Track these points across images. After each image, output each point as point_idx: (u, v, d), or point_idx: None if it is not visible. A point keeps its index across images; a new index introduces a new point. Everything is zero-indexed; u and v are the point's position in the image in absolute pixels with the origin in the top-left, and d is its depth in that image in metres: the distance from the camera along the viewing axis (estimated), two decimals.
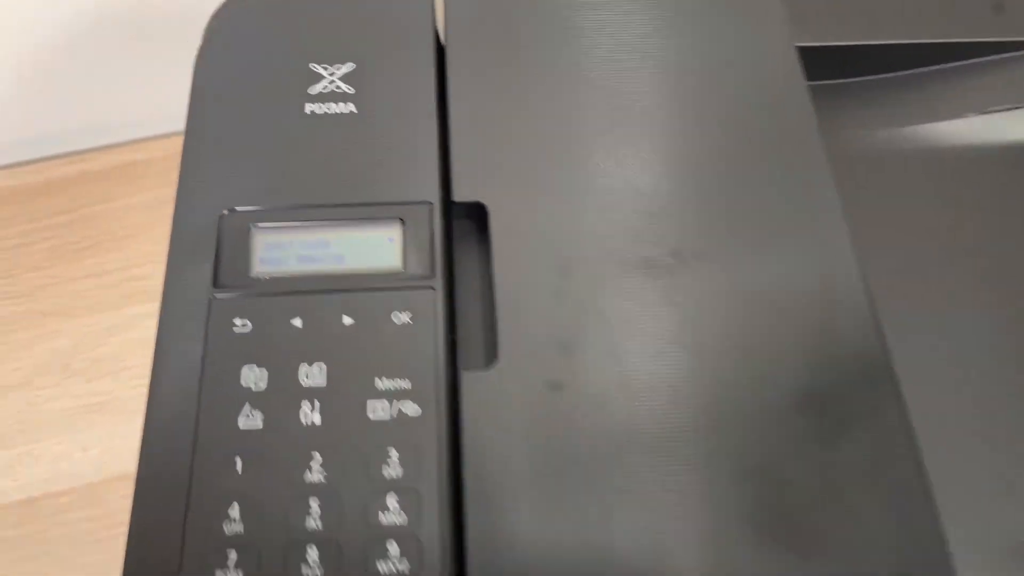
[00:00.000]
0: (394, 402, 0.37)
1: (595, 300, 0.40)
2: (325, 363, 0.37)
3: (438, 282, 0.40)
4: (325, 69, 0.46)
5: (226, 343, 0.38)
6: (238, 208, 0.41)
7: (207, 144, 0.43)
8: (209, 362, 0.37)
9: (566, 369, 0.38)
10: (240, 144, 0.43)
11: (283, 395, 0.37)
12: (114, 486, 0.63)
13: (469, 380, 0.38)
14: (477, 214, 0.43)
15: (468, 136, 0.44)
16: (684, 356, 0.38)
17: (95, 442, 0.66)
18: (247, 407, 0.36)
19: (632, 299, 0.39)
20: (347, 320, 0.39)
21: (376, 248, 0.41)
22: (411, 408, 0.37)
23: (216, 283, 0.39)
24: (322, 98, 0.45)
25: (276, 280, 0.40)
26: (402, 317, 0.39)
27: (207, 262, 0.40)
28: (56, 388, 0.69)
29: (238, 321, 0.38)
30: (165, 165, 0.77)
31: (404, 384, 0.37)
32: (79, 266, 0.72)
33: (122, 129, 0.77)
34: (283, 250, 0.41)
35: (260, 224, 0.41)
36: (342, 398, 0.37)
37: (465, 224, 0.44)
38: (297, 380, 0.37)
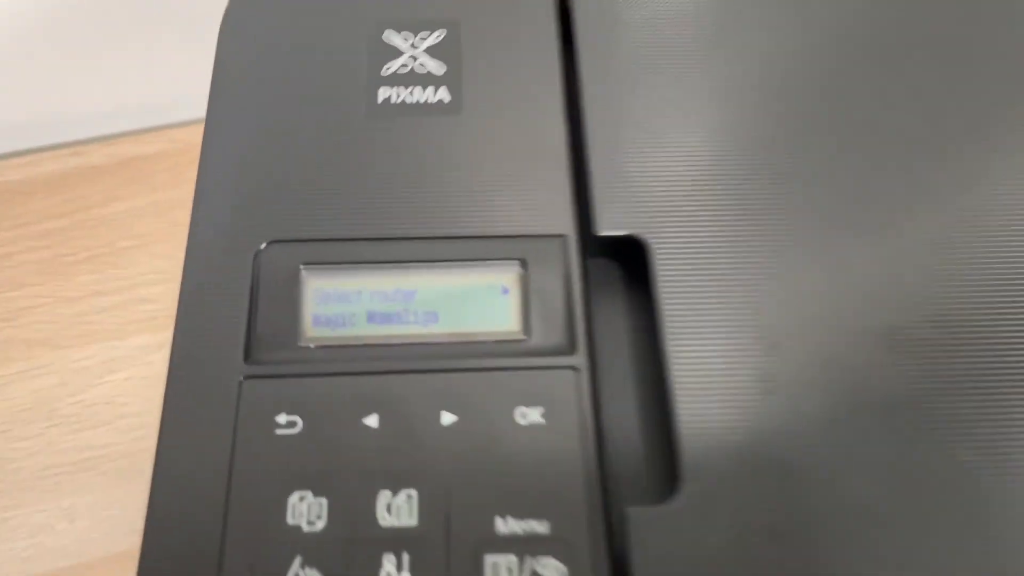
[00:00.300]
0: (525, 558, 0.23)
1: (829, 395, 0.26)
2: (416, 490, 0.24)
3: (582, 358, 0.26)
4: (405, 39, 0.32)
5: (263, 451, 0.25)
6: (281, 239, 0.28)
7: (234, 143, 0.30)
8: (238, 483, 0.24)
9: (791, 501, 0.24)
10: (282, 145, 0.30)
11: (352, 542, 0.24)
12: (107, 569, 0.50)
13: (639, 521, 0.24)
14: (624, 255, 0.29)
15: (613, 143, 0.30)
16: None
17: (84, 511, 0.52)
18: (297, 563, 0.23)
19: (886, 388, 0.26)
20: (446, 418, 0.25)
21: (484, 302, 0.28)
22: (552, 569, 0.23)
23: (248, 355, 0.26)
24: (400, 80, 0.31)
25: (338, 351, 0.27)
26: (530, 415, 0.26)
27: (235, 320, 0.27)
28: (38, 439, 0.55)
29: (282, 418, 0.25)
30: (180, 160, 0.64)
31: (539, 527, 0.24)
32: (72, 284, 0.59)
33: (129, 116, 0.64)
34: (347, 304, 0.27)
35: (313, 265, 0.28)
36: (444, 549, 0.24)
37: (602, 270, 0.30)
38: (374, 518, 0.24)
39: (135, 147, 0.64)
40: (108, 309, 0.57)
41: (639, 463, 0.26)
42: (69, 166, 0.62)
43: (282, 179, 0.29)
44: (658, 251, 0.28)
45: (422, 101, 0.31)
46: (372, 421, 0.25)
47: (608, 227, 0.28)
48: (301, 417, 0.25)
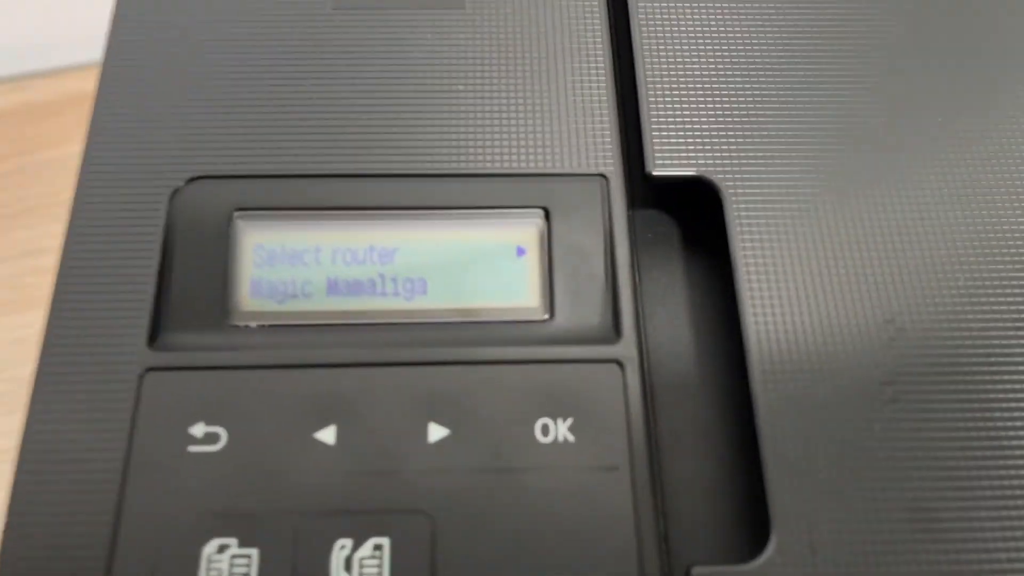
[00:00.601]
0: None
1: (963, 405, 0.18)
2: (388, 538, 0.17)
3: (630, 347, 0.19)
4: None
5: (169, 478, 0.17)
6: (207, 175, 0.20)
7: (146, 44, 0.22)
8: (129, 523, 0.17)
9: (925, 559, 0.17)
10: (213, 45, 0.22)
11: None
12: None
13: None
14: (682, 207, 0.21)
15: (666, 62, 0.22)
16: None
17: None
18: None
19: None
20: (435, 433, 0.18)
21: (490, 267, 0.20)
22: None
23: (154, 337, 0.18)
24: None
25: (284, 334, 0.19)
26: (555, 429, 0.18)
27: (137, 288, 0.19)
28: None
29: (199, 429, 0.18)
30: None
31: None
32: (7, 241, 0.51)
33: (79, 47, 0.56)
34: (301, 267, 0.20)
35: (252, 211, 0.20)
36: None
37: (650, 221, 0.22)
38: None
39: (88, 82, 0.56)
40: (48, 271, 0.49)
41: (709, 503, 0.19)
42: (11, 103, 0.53)
43: (212, 94, 0.21)
44: (735, 200, 0.20)
45: None
46: (328, 436, 0.18)
47: (666, 165, 0.20)
48: (226, 429, 0.17)
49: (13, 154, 0.51)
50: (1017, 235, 0.21)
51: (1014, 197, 0.21)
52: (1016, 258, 0.20)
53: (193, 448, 0.17)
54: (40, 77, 0.53)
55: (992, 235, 0.21)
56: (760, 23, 0.23)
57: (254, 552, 0.16)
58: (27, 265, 0.48)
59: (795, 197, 0.20)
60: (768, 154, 0.21)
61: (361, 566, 0.16)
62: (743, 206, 0.20)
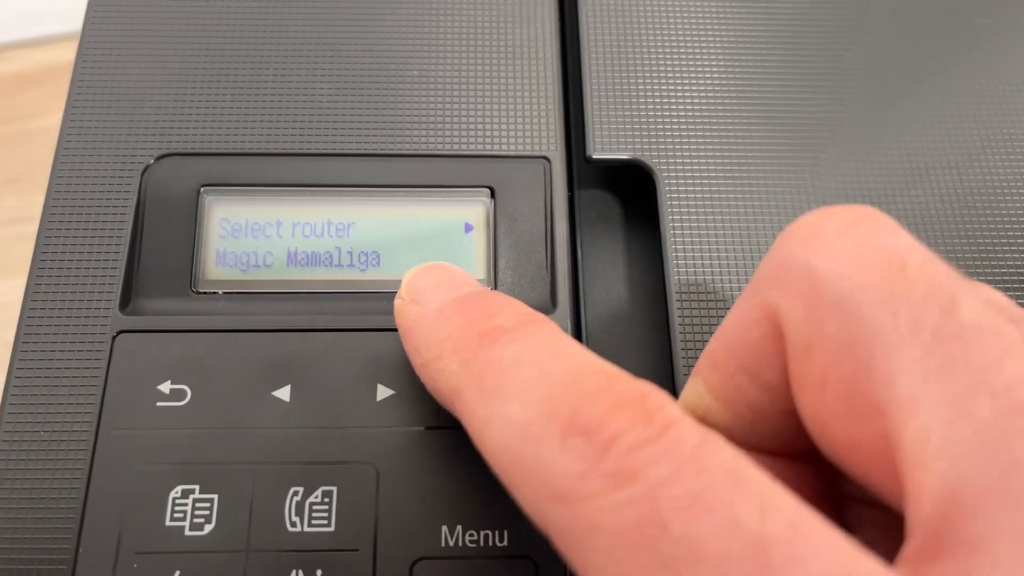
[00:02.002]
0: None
1: None
2: (336, 487, 0.18)
3: (564, 317, 0.20)
4: None
5: (139, 430, 0.19)
6: (176, 152, 0.22)
7: (120, 28, 0.23)
8: (102, 469, 0.18)
9: None
10: (181, 29, 0.23)
11: (251, 554, 0.18)
12: None
13: None
14: (621, 186, 0.23)
15: (608, 48, 0.24)
16: None
17: None
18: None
19: None
20: (382, 392, 0.19)
21: (440, 242, 0.21)
22: None
23: (127, 302, 0.20)
24: None
25: (246, 301, 0.20)
26: None
27: (111, 256, 0.20)
28: None
29: (166, 386, 0.19)
30: None
31: (497, 540, 0.18)
32: None
33: (62, 17, 0.57)
34: (262, 239, 0.21)
35: (218, 187, 0.21)
36: (370, 565, 0.18)
37: (595, 203, 0.24)
38: (281, 522, 0.18)
39: (69, 52, 0.57)
40: (31, 239, 0.50)
41: None
42: None
43: (181, 76, 0.22)
44: (666, 181, 0.22)
45: None
46: (284, 394, 0.19)
47: (605, 149, 0.22)
48: (190, 386, 0.19)
49: None
50: (936, 224, 0.22)
51: (933, 187, 0.23)
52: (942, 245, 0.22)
53: (161, 403, 0.19)
54: (23, 47, 0.54)
55: (915, 215, 0.22)
56: (699, 17, 0.24)
57: (215, 497, 0.18)
58: (12, 232, 0.49)
59: (723, 179, 0.22)
60: (700, 139, 0.23)
61: (311, 511, 0.18)
62: (673, 187, 0.22)
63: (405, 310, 0.17)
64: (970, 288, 0.13)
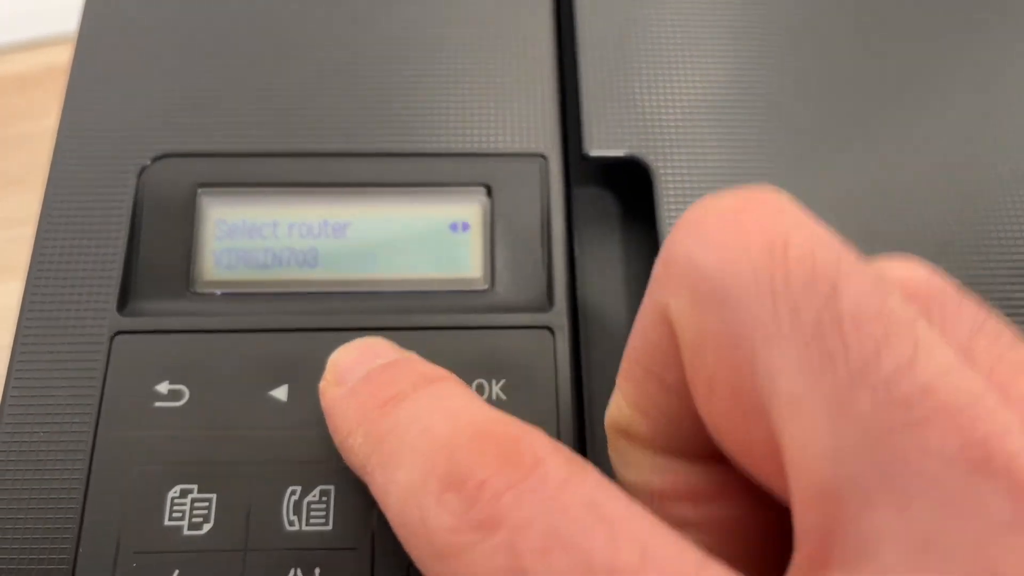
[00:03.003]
0: None
1: None
2: (333, 485, 0.18)
3: (560, 316, 0.20)
4: None
5: (137, 429, 0.19)
6: (173, 152, 0.22)
7: (116, 24, 0.23)
8: (101, 469, 0.18)
9: None
10: (177, 27, 0.23)
11: (249, 552, 0.18)
12: None
13: None
14: (617, 184, 0.23)
15: (605, 45, 0.24)
16: None
17: None
18: None
19: None
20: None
21: (435, 241, 0.21)
22: None
23: (124, 303, 0.20)
24: None
25: (242, 301, 0.20)
26: (490, 389, 0.20)
27: (108, 257, 0.20)
28: None
29: (164, 387, 0.19)
30: None
31: None
32: None
33: (58, 18, 0.56)
34: (258, 239, 0.21)
35: (214, 187, 0.21)
36: (368, 563, 0.18)
37: (592, 199, 0.24)
38: (278, 521, 0.18)
39: (66, 53, 0.57)
40: (29, 239, 0.50)
41: None
42: None
43: (177, 76, 0.22)
44: (663, 177, 0.22)
45: None
46: (281, 393, 0.19)
47: (601, 146, 0.22)
48: (188, 386, 0.19)
49: None
50: (937, 232, 0.22)
51: (934, 189, 0.23)
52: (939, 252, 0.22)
53: (159, 404, 0.19)
54: (21, 49, 0.54)
55: (907, 219, 0.22)
56: (696, 11, 0.24)
57: (213, 497, 0.18)
58: (11, 234, 0.49)
59: (720, 175, 0.22)
60: (697, 135, 0.23)
61: (309, 509, 0.18)
62: (670, 183, 0.22)
63: (325, 393, 0.17)
64: (858, 270, 0.12)
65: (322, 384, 0.18)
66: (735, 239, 0.12)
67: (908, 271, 0.14)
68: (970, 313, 0.13)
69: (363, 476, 0.16)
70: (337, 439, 0.17)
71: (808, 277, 0.12)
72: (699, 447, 0.15)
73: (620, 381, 0.15)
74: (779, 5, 0.25)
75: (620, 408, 0.15)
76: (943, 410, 0.10)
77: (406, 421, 0.15)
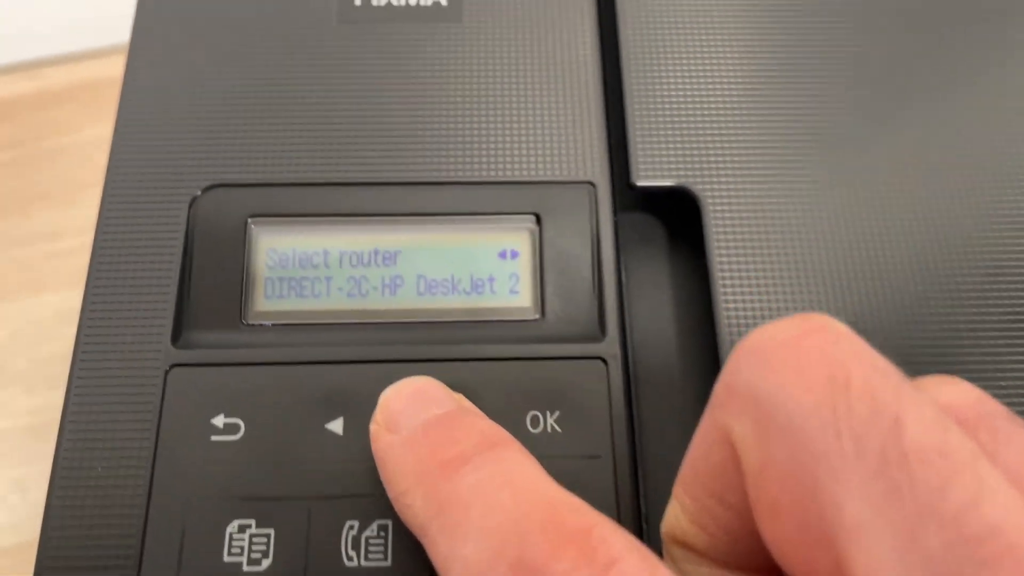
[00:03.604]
0: None
1: None
2: (391, 520, 0.18)
3: (613, 345, 0.20)
4: None
5: (194, 464, 0.19)
6: (223, 183, 0.22)
7: (165, 59, 0.23)
8: (159, 505, 0.18)
9: None
10: (227, 61, 0.23)
11: None
12: None
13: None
14: (663, 211, 0.23)
15: (652, 76, 0.24)
16: None
17: (37, 482, 0.47)
18: None
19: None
20: None
21: (485, 269, 0.21)
22: None
23: (178, 336, 0.20)
24: None
25: (296, 333, 0.21)
26: (544, 421, 0.19)
27: (161, 290, 0.21)
28: None
29: (220, 420, 0.19)
30: None
31: None
32: (24, 225, 0.53)
33: (92, 32, 0.57)
34: (310, 269, 0.21)
35: (265, 217, 0.21)
36: None
37: (637, 225, 0.24)
38: (337, 556, 0.18)
39: (101, 69, 0.58)
40: (64, 254, 0.51)
41: None
42: (24, 90, 0.55)
43: (226, 105, 0.22)
44: (713, 208, 0.22)
45: (411, 3, 0.24)
46: (337, 427, 0.19)
47: (649, 176, 0.22)
48: (244, 420, 0.19)
49: (29, 140, 0.53)
50: (994, 246, 0.22)
51: (999, 207, 0.22)
52: (998, 271, 0.22)
53: (215, 437, 0.19)
54: (54, 64, 0.55)
55: (972, 244, 0.22)
56: (743, 40, 0.24)
57: (271, 532, 0.18)
58: (43, 249, 0.49)
59: (770, 205, 0.22)
60: (746, 164, 0.22)
61: (367, 545, 0.18)
62: (720, 214, 0.22)
63: (379, 438, 0.17)
64: (918, 402, 0.12)
65: (373, 427, 0.18)
66: (797, 371, 0.13)
67: (959, 394, 0.14)
68: (1021, 438, 0.13)
69: (421, 537, 0.16)
70: (391, 492, 0.17)
71: (870, 410, 0.12)
72: (758, 562, 0.15)
73: (678, 493, 0.16)
74: (836, 29, 0.24)
75: (678, 519, 0.16)
76: (1011, 550, 0.11)
77: (470, 491, 0.15)
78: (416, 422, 0.17)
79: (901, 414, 0.12)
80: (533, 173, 0.22)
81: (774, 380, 0.13)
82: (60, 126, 0.54)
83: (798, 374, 0.13)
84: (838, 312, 0.21)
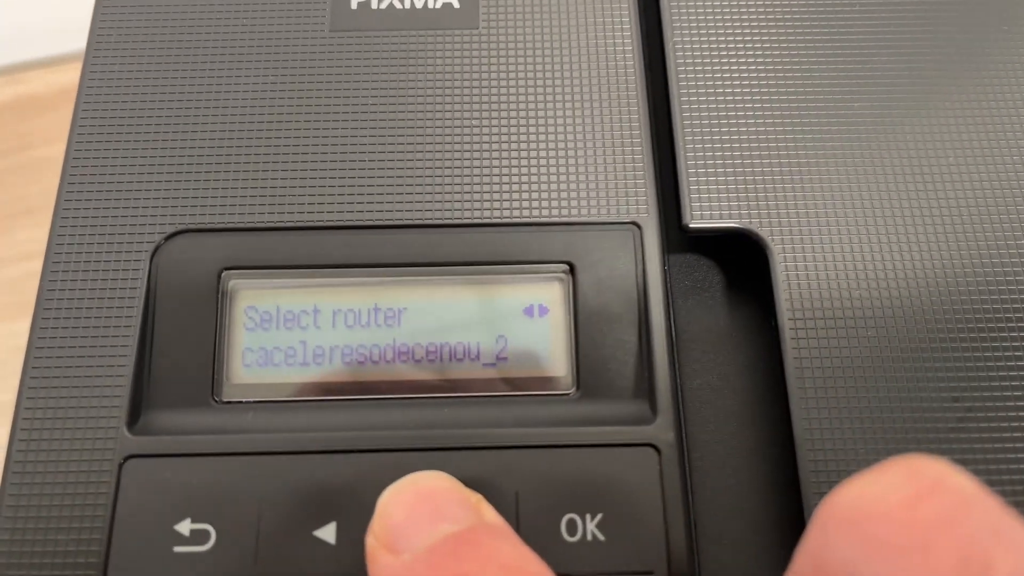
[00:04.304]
0: None
1: None
2: None
3: (667, 428, 0.16)
4: None
5: None
6: (191, 228, 0.18)
7: (123, 78, 0.20)
8: None
9: None
10: (197, 76, 0.19)
11: None
12: None
13: None
14: (724, 249, 0.19)
15: (702, 97, 0.20)
16: None
17: None
18: None
19: None
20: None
21: (508, 331, 0.18)
22: None
23: (135, 419, 0.17)
24: None
25: (277, 413, 0.17)
26: (583, 526, 0.16)
27: (116, 360, 0.17)
28: None
29: (184, 526, 0.16)
30: None
31: None
32: (7, 243, 0.50)
33: (76, 35, 0.53)
34: (296, 331, 0.18)
35: (242, 270, 0.18)
36: None
37: (687, 269, 0.20)
38: None
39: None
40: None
41: None
42: (7, 96, 0.51)
43: (194, 135, 0.19)
44: (782, 255, 0.18)
45: (418, 6, 0.20)
46: (327, 534, 0.16)
47: (705, 216, 0.18)
48: (214, 526, 0.16)
49: (11, 151, 0.49)
50: None
51: None
52: None
53: (179, 548, 0.16)
54: (36, 68, 0.51)
55: None
56: (799, 66, 0.20)
57: None
58: (29, 269, 0.46)
59: (847, 249, 0.18)
60: (814, 203, 0.18)
61: None
62: (791, 261, 0.18)
63: (375, 559, 0.14)
64: None
65: (370, 541, 0.14)
66: (917, 551, 0.10)
67: None
68: None
69: None
70: None
71: None
72: None
73: None
74: (893, 62, 0.20)
75: None
76: None
77: None
78: (422, 543, 0.13)
79: None
80: (565, 213, 0.18)
81: (885, 565, 0.10)
82: (44, 136, 0.51)
83: (919, 559, 0.09)
84: (936, 390, 0.17)
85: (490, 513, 0.14)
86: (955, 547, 0.09)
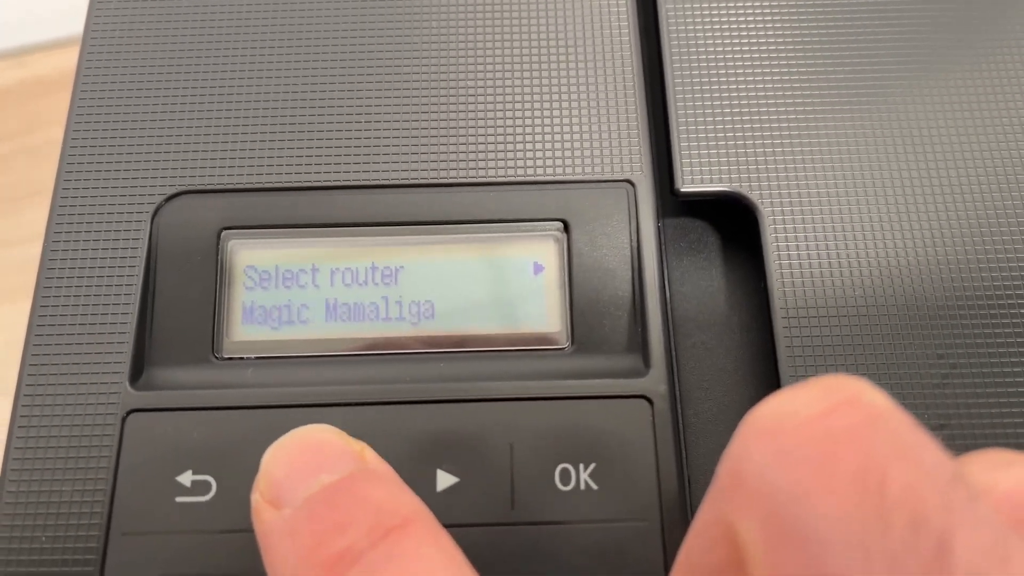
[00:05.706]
0: None
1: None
2: None
3: (659, 381, 0.17)
4: None
5: (156, 530, 0.16)
6: (192, 188, 0.18)
7: (125, 42, 0.20)
8: None
9: None
10: (197, 40, 0.20)
11: None
12: None
13: None
14: (709, 211, 0.19)
15: (695, 59, 0.20)
16: None
17: None
18: None
19: None
20: (443, 480, 0.16)
21: (504, 288, 0.18)
22: None
23: (137, 375, 0.17)
24: None
25: (278, 368, 0.17)
26: (575, 476, 0.16)
27: (119, 318, 0.17)
28: None
29: (186, 477, 0.16)
30: None
31: None
32: (14, 225, 0.50)
33: (81, 17, 0.53)
34: (296, 289, 0.18)
35: (242, 230, 0.18)
36: None
37: (682, 231, 0.20)
38: None
39: None
40: None
41: None
42: (12, 79, 0.52)
43: (194, 97, 0.19)
44: (771, 217, 0.18)
45: None
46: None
47: (696, 181, 0.18)
48: (215, 477, 0.16)
49: (19, 133, 0.50)
50: None
51: None
52: None
53: (181, 498, 0.16)
54: (42, 51, 0.52)
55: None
56: (790, 32, 0.20)
57: None
58: (37, 251, 0.47)
59: (836, 212, 0.18)
60: (804, 167, 0.19)
61: None
62: (781, 225, 0.18)
63: (259, 515, 0.14)
64: (972, 518, 0.10)
65: (255, 497, 0.14)
66: (819, 465, 0.10)
67: (1014, 487, 0.11)
68: None
69: None
70: None
71: (911, 527, 0.10)
72: None
73: None
74: (885, 29, 0.20)
75: None
76: None
77: None
78: (300, 496, 0.13)
79: (949, 533, 0.09)
80: (559, 171, 0.18)
81: (791, 475, 0.10)
82: (52, 117, 0.51)
83: (821, 470, 0.10)
84: (924, 349, 0.17)
85: (373, 459, 0.14)
86: (855, 459, 0.10)
